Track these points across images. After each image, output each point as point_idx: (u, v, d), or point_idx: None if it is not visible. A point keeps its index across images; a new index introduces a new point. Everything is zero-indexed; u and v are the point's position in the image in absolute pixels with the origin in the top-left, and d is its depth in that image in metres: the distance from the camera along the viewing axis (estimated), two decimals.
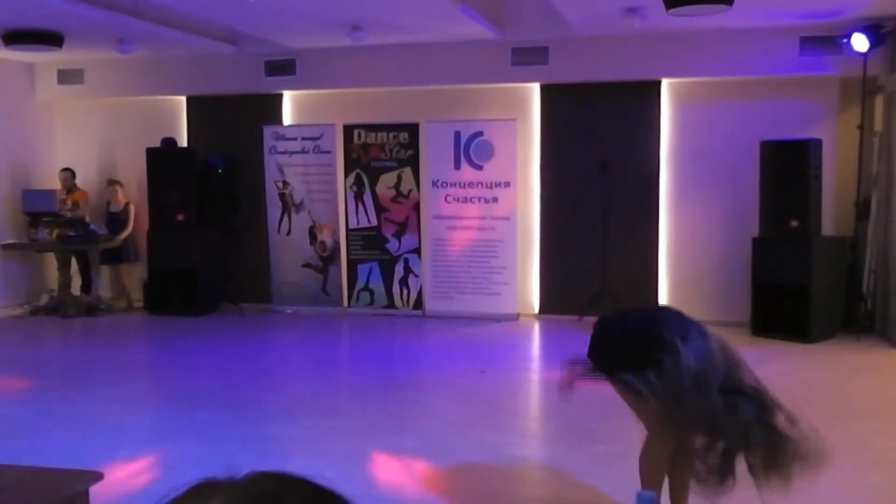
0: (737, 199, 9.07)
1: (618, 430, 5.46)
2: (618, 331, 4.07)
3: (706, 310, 9.15)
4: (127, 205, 10.53)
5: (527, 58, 9.33)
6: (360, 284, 10.02)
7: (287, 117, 10.41)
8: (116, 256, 10.50)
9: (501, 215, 9.49)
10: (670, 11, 7.36)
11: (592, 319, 9.14)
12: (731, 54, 8.79)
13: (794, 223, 8.19)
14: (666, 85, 9.30)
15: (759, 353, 7.82)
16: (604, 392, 6.39)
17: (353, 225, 9.99)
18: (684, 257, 9.37)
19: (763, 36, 8.60)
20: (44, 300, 10.48)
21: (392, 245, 9.89)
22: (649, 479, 3.95)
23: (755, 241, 8.54)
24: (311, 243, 10.12)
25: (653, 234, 9.37)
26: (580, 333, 8.70)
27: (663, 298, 9.41)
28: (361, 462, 4.88)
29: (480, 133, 9.55)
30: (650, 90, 9.29)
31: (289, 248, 10.19)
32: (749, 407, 3.53)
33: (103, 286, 10.63)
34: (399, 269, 9.88)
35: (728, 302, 9.09)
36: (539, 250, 9.72)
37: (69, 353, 8.32)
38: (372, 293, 9.99)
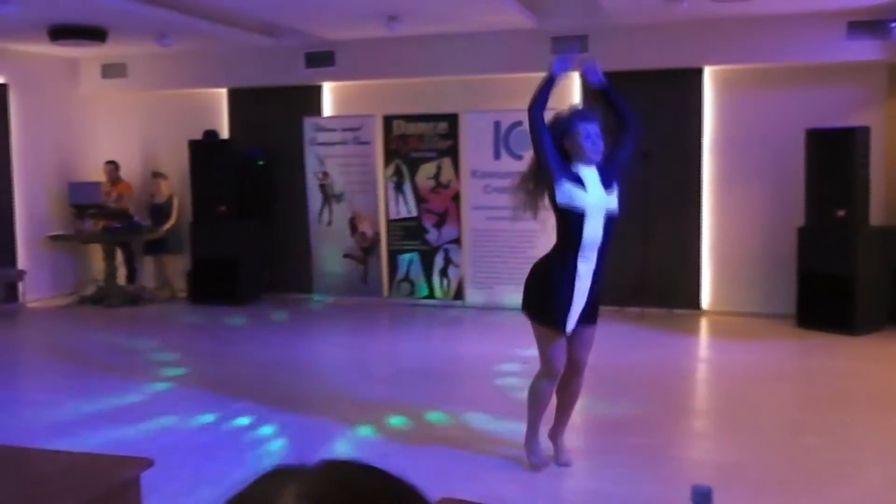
0: (781, 188, 8.93)
1: (655, 422, 5.44)
2: None
3: (750, 301, 9.09)
4: (170, 197, 10.67)
5: (566, 46, 9.23)
6: (400, 275, 10.05)
7: (327, 109, 10.46)
8: (159, 247, 10.66)
9: (541, 206, 9.42)
10: None
11: (634, 311, 9.13)
12: (775, 40, 8.63)
13: (841, 213, 8.04)
14: (708, 72, 9.17)
15: (804, 346, 7.74)
16: (643, 386, 6.36)
17: (393, 216, 10.02)
18: (728, 248, 9.25)
19: (809, 21, 8.43)
20: (90, 290, 10.68)
21: (432, 235, 9.90)
22: (533, 407, 4.57)
23: (800, 231, 8.40)
24: (352, 234, 10.17)
25: (695, 224, 9.26)
26: (621, 324, 8.69)
27: (706, 289, 9.32)
28: (403, 451, 4.90)
29: (520, 123, 9.48)
30: (692, 78, 9.17)
31: (329, 239, 10.25)
32: None
33: (147, 276, 10.80)
34: (439, 260, 9.89)
35: (773, 293, 8.96)
36: None
37: (113, 341, 8.45)
38: (412, 283, 10.01)
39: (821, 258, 8.17)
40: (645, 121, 9.25)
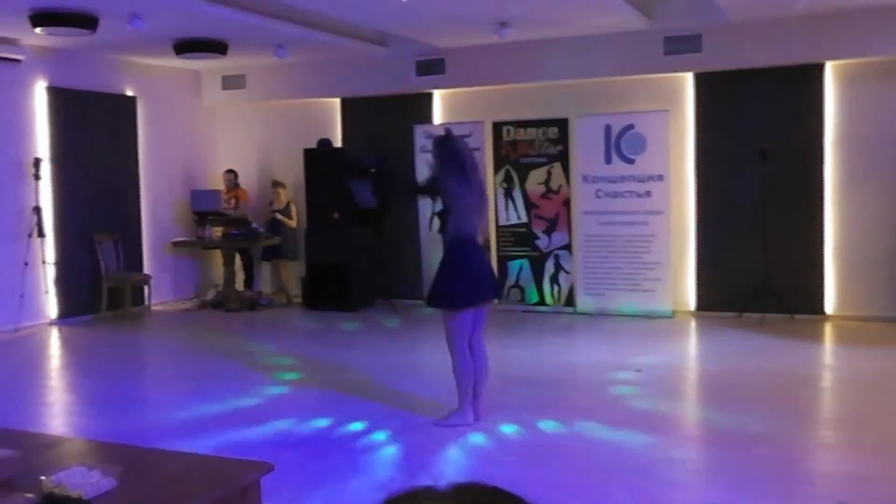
0: None
1: (781, 433, 5.24)
2: None
3: (878, 305, 8.68)
4: (288, 204, 10.96)
5: (680, 46, 9.05)
6: (510, 281, 10.01)
7: (437, 116, 10.54)
8: (276, 253, 10.97)
9: (654, 209, 9.26)
10: None
11: (753, 316, 8.81)
12: None
13: None
14: (830, 67, 8.81)
15: None
16: (766, 395, 6.14)
17: (502, 222, 10.00)
18: (853, 249, 8.86)
19: None
20: (210, 294, 11.06)
21: (542, 241, 9.83)
22: (463, 384, 5.45)
23: None
24: None
25: (817, 225, 8.90)
26: (740, 331, 8.42)
27: (830, 292, 8.94)
28: (517, 459, 4.87)
29: (632, 126, 9.35)
30: (812, 74, 8.83)
31: (439, 246, 10.27)
32: None
33: (264, 282, 11.12)
34: (549, 266, 9.82)
35: None
36: (695, 245, 9.42)
37: (233, 345, 8.72)
38: (522, 290, 9.96)
39: None
40: (763, 120, 9.03)
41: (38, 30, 8.03)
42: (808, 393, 6.39)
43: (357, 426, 5.55)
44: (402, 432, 5.42)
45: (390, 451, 5.07)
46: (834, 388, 6.69)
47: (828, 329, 8.61)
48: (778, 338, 8.06)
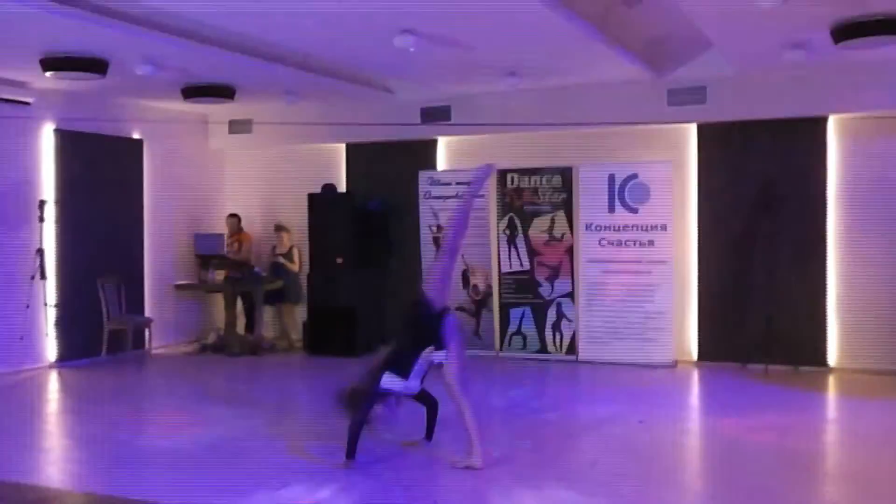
0: None
1: (787, 490, 5.17)
2: None
3: (882, 357, 8.65)
4: (292, 248, 10.97)
5: (683, 98, 9.13)
6: (512, 329, 9.99)
7: (441, 162, 10.59)
8: (279, 297, 10.95)
9: (657, 259, 9.27)
10: (839, 45, 7.03)
11: (757, 368, 8.78)
12: None
13: None
14: (833, 121, 8.87)
15: None
16: (770, 449, 6.08)
17: (505, 269, 10.00)
18: (856, 301, 8.84)
19: None
20: (211, 338, 11.01)
21: (545, 289, 9.82)
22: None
23: None
24: (464, 287, 10.18)
25: (821, 276, 8.89)
26: (743, 382, 8.35)
27: (833, 344, 8.90)
28: None
29: (635, 175, 9.39)
30: (815, 127, 8.88)
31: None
32: None
33: (266, 326, 11.08)
34: (552, 314, 9.79)
35: None
36: (697, 294, 9.40)
37: (233, 390, 8.66)
38: (524, 338, 9.93)
39: None
40: (766, 171, 9.06)
41: (48, 74, 8.11)
42: (814, 448, 6.32)
43: (357, 473, 5.49)
44: (413, 478, 5.35)
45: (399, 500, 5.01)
46: (840, 441, 6.62)
47: (832, 381, 8.55)
48: (782, 389, 8.00)
